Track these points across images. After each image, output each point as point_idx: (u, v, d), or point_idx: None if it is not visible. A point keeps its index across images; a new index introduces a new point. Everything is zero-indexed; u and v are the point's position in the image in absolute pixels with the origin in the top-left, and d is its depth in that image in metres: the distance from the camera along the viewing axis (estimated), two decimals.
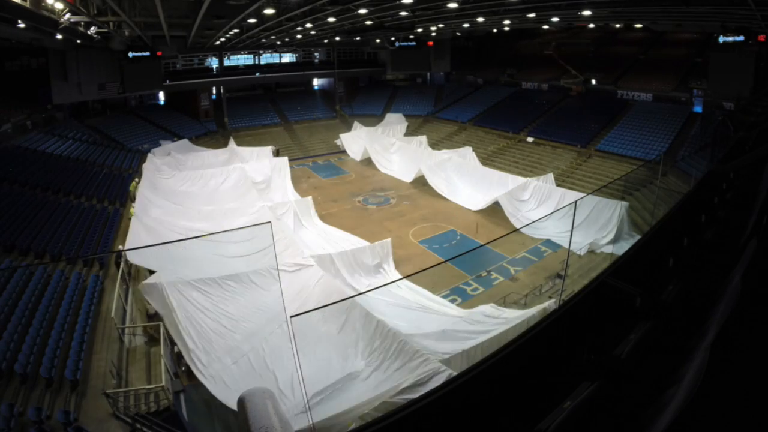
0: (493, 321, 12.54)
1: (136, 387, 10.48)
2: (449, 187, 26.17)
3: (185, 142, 34.60)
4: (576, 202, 15.36)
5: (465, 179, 26.45)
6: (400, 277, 16.75)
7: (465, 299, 15.94)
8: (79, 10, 16.98)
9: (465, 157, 29.07)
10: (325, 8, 18.34)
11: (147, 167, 26.63)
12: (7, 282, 13.21)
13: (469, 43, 47.39)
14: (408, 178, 28.89)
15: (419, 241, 20.92)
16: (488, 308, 13.46)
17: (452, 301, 15.59)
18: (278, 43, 36.38)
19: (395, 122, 38.94)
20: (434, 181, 26.50)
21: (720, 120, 20.20)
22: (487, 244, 19.09)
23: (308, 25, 23.50)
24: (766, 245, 2.39)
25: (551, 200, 22.14)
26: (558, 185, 24.00)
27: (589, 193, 20.65)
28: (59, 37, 21.56)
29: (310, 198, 22.34)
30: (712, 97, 26.91)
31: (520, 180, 23.82)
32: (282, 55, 43.38)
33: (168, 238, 16.22)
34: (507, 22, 27.24)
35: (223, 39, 30.11)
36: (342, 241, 19.60)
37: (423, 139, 34.29)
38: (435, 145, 36.36)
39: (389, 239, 18.20)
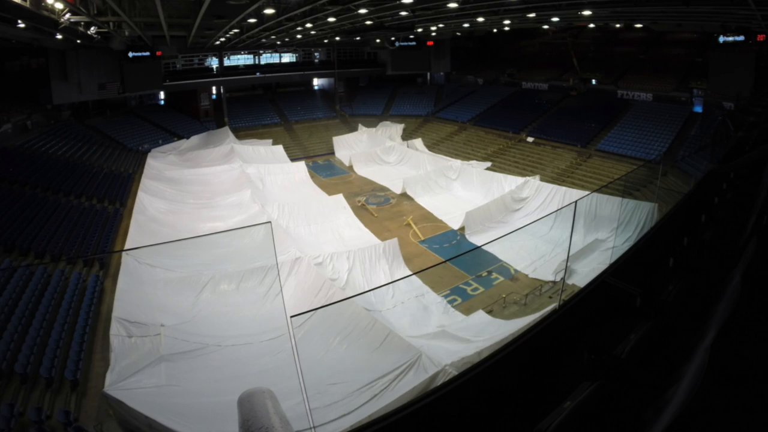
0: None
1: None
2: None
3: (206, 135, 35.42)
4: (576, 202, 15.35)
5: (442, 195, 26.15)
6: (400, 277, 16.77)
7: (465, 299, 15.94)
8: (79, 10, 16.98)
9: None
10: (325, 8, 18.34)
11: (148, 168, 26.71)
12: (7, 282, 13.22)
13: (469, 43, 47.36)
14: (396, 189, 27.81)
15: (419, 241, 20.92)
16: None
17: (452, 301, 15.60)
18: (278, 43, 36.36)
19: (390, 127, 38.29)
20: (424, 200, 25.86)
21: (720, 120, 20.22)
22: (487, 244, 19.08)
23: (308, 25, 23.49)
24: (766, 245, 2.39)
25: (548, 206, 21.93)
26: (559, 185, 23.95)
27: (589, 192, 20.66)
28: (59, 37, 21.55)
29: (340, 195, 23.18)
30: (712, 97, 26.91)
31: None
32: (282, 55, 43.35)
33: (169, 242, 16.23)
34: (507, 22, 27.23)
35: (223, 39, 30.11)
36: (355, 239, 19.87)
37: (418, 142, 34.05)
38: (435, 145, 36.39)
39: (395, 239, 18.31)
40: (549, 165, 28.75)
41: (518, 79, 40.95)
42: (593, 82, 35.41)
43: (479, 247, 19.44)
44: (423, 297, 15.43)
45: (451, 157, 31.62)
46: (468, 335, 12.28)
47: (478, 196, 24.53)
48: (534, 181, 23.65)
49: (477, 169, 27.68)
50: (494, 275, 17.61)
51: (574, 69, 36.34)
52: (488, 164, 29.87)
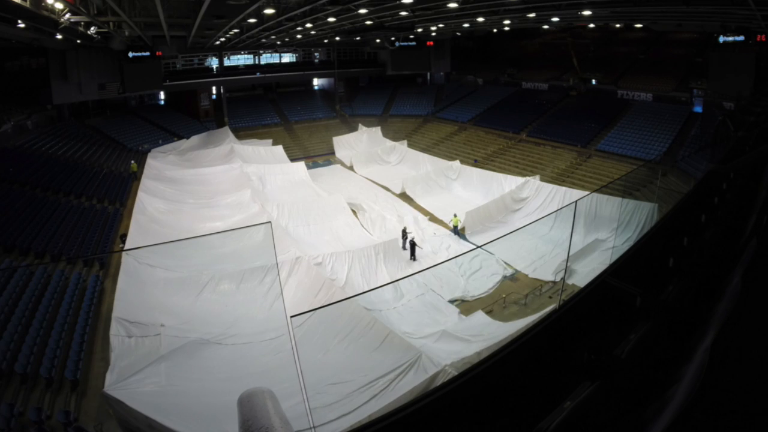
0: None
1: None
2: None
3: (206, 135, 35.44)
4: (576, 202, 15.36)
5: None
6: (400, 277, 16.77)
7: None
8: (79, 10, 16.98)
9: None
10: (325, 8, 18.35)
11: (148, 168, 26.77)
12: (7, 282, 13.23)
13: (469, 43, 47.39)
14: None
15: None
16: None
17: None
18: (278, 43, 36.36)
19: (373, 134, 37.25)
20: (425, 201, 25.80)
21: (720, 120, 20.20)
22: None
23: (308, 25, 23.50)
24: (766, 245, 2.39)
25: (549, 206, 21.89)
26: (559, 185, 23.97)
27: (589, 193, 20.65)
28: (59, 37, 21.57)
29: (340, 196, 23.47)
30: (712, 97, 26.91)
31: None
32: (282, 55, 43.38)
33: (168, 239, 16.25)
34: (507, 22, 27.24)
35: (223, 39, 30.12)
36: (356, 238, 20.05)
37: (401, 147, 33.65)
38: (435, 145, 36.40)
39: (396, 239, 18.36)
40: (549, 165, 28.75)
41: (518, 79, 40.96)
42: (593, 82, 35.41)
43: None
44: (423, 297, 15.44)
45: (452, 156, 31.62)
46: (468, 336, 12.28)
47: (478, 196, 24.52)
48: (534, 181, 23.64)
49: (472, 168, 27.62)
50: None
51: (574, 69, 36.35)
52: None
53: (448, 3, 17.91)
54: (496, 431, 2.28)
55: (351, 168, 32.43)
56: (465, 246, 19.67)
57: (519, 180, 23.99)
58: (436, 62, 44.58)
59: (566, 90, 36.49)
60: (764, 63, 23.69)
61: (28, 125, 28.04)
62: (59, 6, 16.56)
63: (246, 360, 11.54)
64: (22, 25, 17.48)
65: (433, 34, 38.65)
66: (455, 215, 21.07)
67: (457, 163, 28.23)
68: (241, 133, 37.60)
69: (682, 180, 21.24)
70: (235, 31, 26.20)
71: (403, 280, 15.61)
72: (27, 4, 14.95)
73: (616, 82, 34.06)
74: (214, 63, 40.29)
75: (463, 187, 26.38)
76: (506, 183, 24.29)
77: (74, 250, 17.08)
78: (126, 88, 33.05)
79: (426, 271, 16.22)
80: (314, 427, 7.56)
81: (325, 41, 38.95)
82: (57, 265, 15.49)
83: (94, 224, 19.53)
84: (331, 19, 21.57)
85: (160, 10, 17.56)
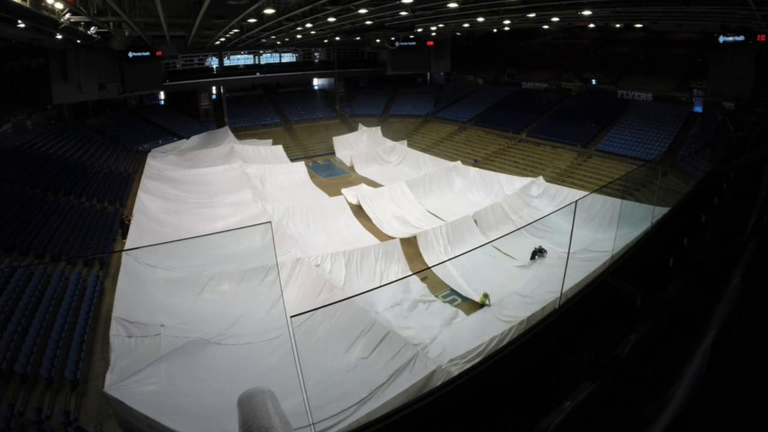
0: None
1: None
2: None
3: (206, 135, 35.35)
4: (576, 201, 15.33)
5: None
6: (402, 276, 16.77)
7: (465, 299, 15.92)
8: (79, 10, 16.98)
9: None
10: (325, 8, 18.36)
11: (148, 168, 26.78)
12: (7, 282, 13.21)
13: (469, 43, 47.37)
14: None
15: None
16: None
17: (452, 301, 15.60)
18: (278, 43, 36.36)
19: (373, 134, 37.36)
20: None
21: (720, 120, 20.20)
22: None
23: (308, 25, 23.51)
24: (766, 245, 2.39)
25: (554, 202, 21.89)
26: (559, 185, 23.97)
27: (588, 193, 20.64)
28: (59, 37, 21.57)
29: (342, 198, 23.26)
30: (712, 97, 26.92)
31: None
32: (282, 55, 43.37)
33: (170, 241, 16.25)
34: (507, 22, 27.24)
35: (223, 39, 30.12)
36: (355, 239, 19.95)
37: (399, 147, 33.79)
38: (435, 145, 36.38)
39: (397, 239, 18.36)
40: (549, 165, 28.75)
41: (518, 79, 40.95)
42: (593, 82, 35.42)
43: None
44: (422, 297, 15.43)
45: (452, 156, 31.63)
46: (468, 335, 12.29)
47: (480, 197, 24.56)
48: (540, 182, 23.68)
49: (476, 169, 27.64)
50: None
51: (574, 69, 36.36)
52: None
53: (448, 3, 17.92)
54: (496, 431, 2.28)
55: (351, 168, 32.44)
56: None
57: (517, 179, 24.00)
58: (436, 62, 44.57)
59: (566, 90, 36.50)
60: (764, 63, 23.69)
61: (27, 125, 28.02)
62: (59, 6, 16.55)
63: (246, 360, 11.54)
64: (22, 25, 17.48)
65: (433, 34, 38.64)
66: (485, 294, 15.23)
67: (457, 163, 28.24)
68: (241, 133, 37.57)
69: (682, 180, 21.22)
70: (235, 31, 26.20)
71: (401, 281, 15.62)
72: (27, 4, 14.95)
73: (616, 82, 34.06)
74: (214, 63, 40.28)
75: (463, 188, 26.37)
76: (508, 183, 24.27)
77: (74, 250, 17.06)
78: (126, 88, 33.04)
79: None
80: (313, 424, 7.56)
81: (325, 41, 38.95)
82: (57, 265, 15.47)
83: (94, 224, 19.52)
84: (331, 19, 21.57)
85: (160, 10, 17.56)
